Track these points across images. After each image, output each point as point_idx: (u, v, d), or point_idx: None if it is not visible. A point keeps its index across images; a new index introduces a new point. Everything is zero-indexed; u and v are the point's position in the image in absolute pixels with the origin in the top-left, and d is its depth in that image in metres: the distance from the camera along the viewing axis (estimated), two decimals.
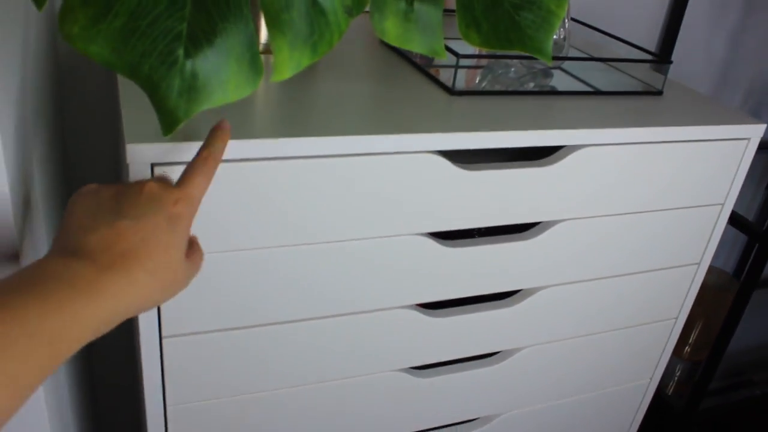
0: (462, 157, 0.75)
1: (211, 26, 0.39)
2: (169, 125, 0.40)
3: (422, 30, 0.59)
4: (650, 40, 1.49)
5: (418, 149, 0.71)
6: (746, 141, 0.92)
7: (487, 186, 0.77)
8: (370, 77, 0.86)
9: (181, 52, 0.39)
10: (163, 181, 0.53)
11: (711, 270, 1.77)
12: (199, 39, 0.39)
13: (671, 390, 1.76)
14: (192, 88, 0.40)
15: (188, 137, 0.62)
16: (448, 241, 0.80)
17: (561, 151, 0.81)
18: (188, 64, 0.39)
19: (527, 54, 0.60)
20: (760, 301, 2.06)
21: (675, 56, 1.52)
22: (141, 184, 0.51)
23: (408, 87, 0.84)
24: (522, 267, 0.86)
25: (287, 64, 0.41)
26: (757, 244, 1.35)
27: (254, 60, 0.40)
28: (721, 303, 1.70)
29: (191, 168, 0.54)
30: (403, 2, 0.58)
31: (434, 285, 0.82)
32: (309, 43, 0.41)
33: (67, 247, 0.46)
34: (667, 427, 1.72)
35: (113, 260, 0.45)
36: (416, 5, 0.58)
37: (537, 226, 0.85)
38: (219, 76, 0.40)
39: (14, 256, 0.55)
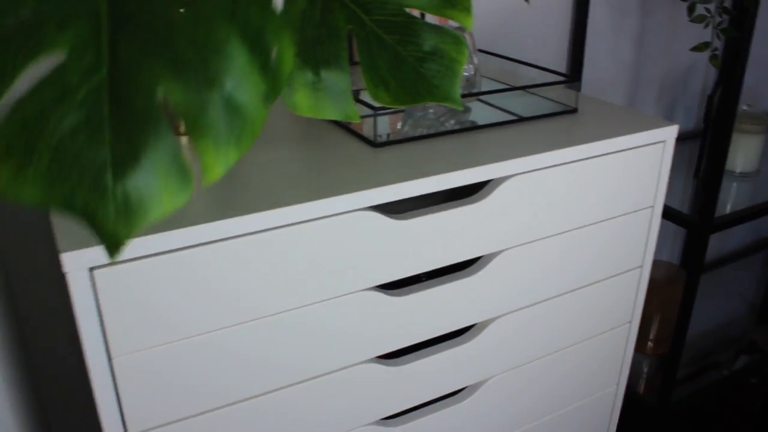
0: (396, 206, 0.77)
1: (132, 147, 0.40)
2: (114, 248, 0.40)
3: (332, 97, 0.60)
4: (560, 56, 1.54)
5: (350, 209, 0.72)
6: (662, 143, 0.96)
7: (423, 231, 0.79)
8: (294, 142, 0.87)
9: (109, 178, 0.40)
10: None
11: (659, 264, 1.82)
12: (125, 162, 0.40)
13: (642, 388, 1.79)
14: (127, 210, 0.40)
15: None
16: (396, 291, 0.82)
17: (490, 185, 0.83)
18: (119, 188, 0.40)
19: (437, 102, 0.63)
20: (713, 283, 2.12)
21: (586, 67, 1.58)
22: None
23: (333, 146, 0.86)
24: (472, 302, 0.88)
25: (216, 165, 0.42)
26: (695, 234, 1.39)
27: (182, 169, 0.41)
28: (674, 294, 1.75)
29: None
30: (310, 73, 0.60)
31: (390, 335, 0.83)
32: (232, 139, 0.43)
33: None
34: (645, 425, 1.75)
35: None
36: (323, 74, 0.60)
37: (480, 260, 0.87)
38: (151, 192, 0.41)
39: None
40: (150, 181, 0.40)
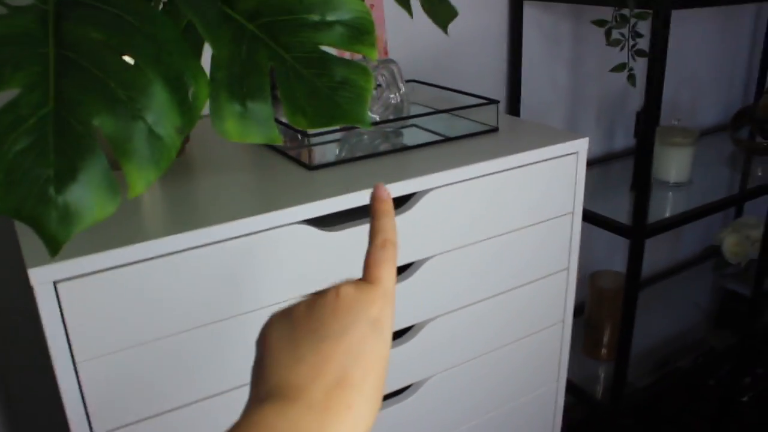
0: (331, 222, 0.86)
1: (72, 166, 0.50)
2: (54, 248, 0.50)
3: (257, 124, 0.70)
4: (499, 84, 1.66)
5: (285, 222, 0.82)
6: (575, 154, 1.07)
7: (355, 241, 0.89)
8: (240, 167, 0.97)
9: (52, 190, 0.49)
10: (353, 281, 0.48)
11: (608, 274, 1.93)
12: (65, 178, 0.49)
13: (599, 393, 1.88)
14: (66, 217, 0.50)
15: (80, 253, 0.71)
16: None
17: (414, 197, 0.93)
18: (60, 199, 0.49)
19: (350, 126, 0.73)
20: (667, 294, 2.22)
21: (525, 92, 1.69)
22: (334, 290, 0.46)
23: (274, 170, 0.95)
24: (409, 304, 0.97)
25: (138, 182, 0.52)
26: (632, 240, 1.50)
27: (111, 185, 0.50)
28: (621, 302, 1.85)
29: (374, 260, 0.49)
30: (237, 104, 0.70)
31: None
32: (152, 162, 0.52)
33: (273, 390, 0.42)
34: (601, 429, 1.83)
35: (329, 395, 0.41)
36: (249, 105, 0.70)
37: (411, 266, 0.97)
38: (86, 203, 0.50)
39: None
40: (85, 194, 0.49)
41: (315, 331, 0.44)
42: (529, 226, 1.06)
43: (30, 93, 0.50)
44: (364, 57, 1.13)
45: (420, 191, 0.93)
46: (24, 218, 0.48)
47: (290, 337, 0.45)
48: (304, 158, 0.98)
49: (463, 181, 0.96)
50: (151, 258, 0.76)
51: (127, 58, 0.55)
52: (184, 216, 0.81)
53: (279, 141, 0.71)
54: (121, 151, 0.51)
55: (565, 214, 1.10)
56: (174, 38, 0.58)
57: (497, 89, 1.66)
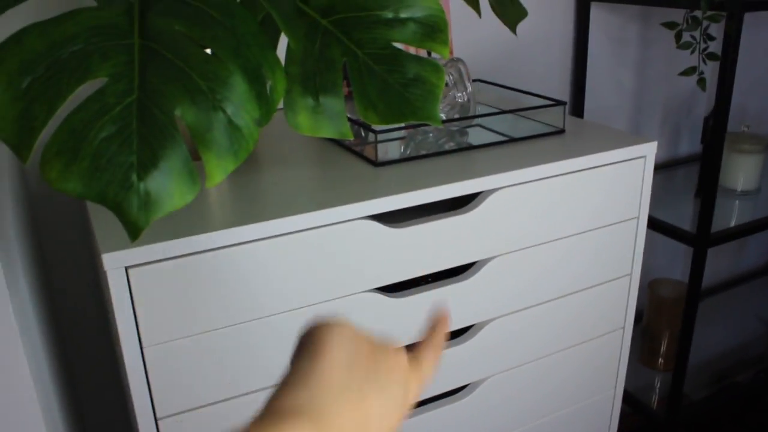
0: (398, 218, 0.87)
1: (154, 154, 0.51)
2: (134, 233, 0.51)
3: (329, 119, 0.71)
4: (563, 86, 1.64)
5: (352, 217, 0.83)
6: (643, 159, 1.05)
7: (418, 239, 0.89)
8: (306, 163, 0.98)
9: (135, 177, 0.50)
10: (406, 354, 0.51)
11: (668, 282, 1.89)
12: (147, 165, 0.51)
13: (655, 403, 1.85)
14: (147, 203, 0.51)
15: (151, 240, 0.73)
16: (395, 293, 0.91)
17: (479, 197, 0.93)
18: (141, 186, 0.51)
19: (418, 123, 0.73)
20: (727, 306, 2.17)
21: (588, 95, 1.67)
22: (397, 353, 0.49)
23: (340, 166, 0.96)
24: (469, 305, 0.97)
25: (217, 172, 0.53)
26: (695, 248, 1.47)
27: (191, 173, 0.52)
28: (681, 312, 1.81)
29: (426, 350, 0.52)
30: (310, 99, 0.71)
31: (390, 335, 0.92)
32: (231, 152, 0.53)
33: (309, 408, 0.42)
34: None
35: None
36: (321, 99, 0.71)
37: (474, 266, 0.97)
38: (166, 190, 0.51)
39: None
40: (166, 182, 0.50)
41: (369, 379, 0.45)
42: (593, 230, 1.05)
43: (116, 82, 0.51)
44: (429, 53, 1.13)
45: (485, 191, 0.93)
46: (107, 203, 0.49)
47: (350, 364, 0.45)
48: (370, 155, 0.98)
49: (529, 182, 0.95)
50: (220, 248, 0.77)
51: (207, 51, 0.56)
52: (252, 208, 0.82)
53: (350, 136, 0.71)
54: (201, 140, 0.52)
55: (630, 219, 1.08)
56: (253, 31, 0.59)
57: (561, 91, 1.64)
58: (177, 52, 0.55)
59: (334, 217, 0.82)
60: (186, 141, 0.52)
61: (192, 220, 0.79)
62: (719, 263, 2.22)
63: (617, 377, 1.22)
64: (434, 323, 0.55)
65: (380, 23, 0.73)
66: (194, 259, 0.76)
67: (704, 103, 1.90)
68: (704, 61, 1.30)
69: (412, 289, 0.93)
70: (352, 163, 0.98)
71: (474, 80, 1.29)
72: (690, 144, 1.94)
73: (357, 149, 1.02)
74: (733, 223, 1.56)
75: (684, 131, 1.91)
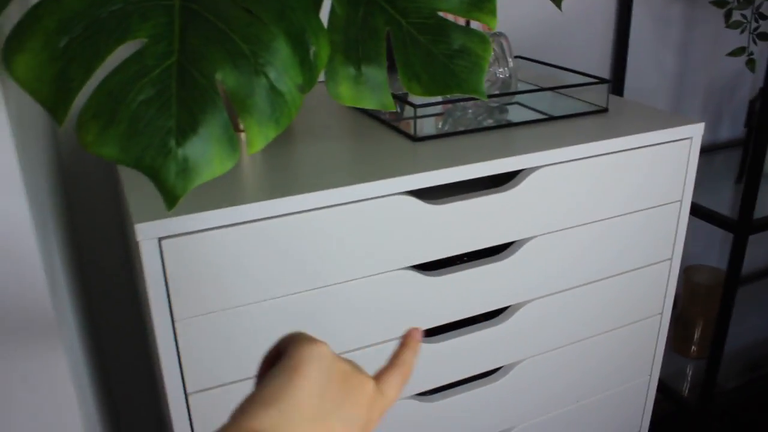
0: (434, 194, 0.84)
1: (193, 119, 0.49)
2: (171, 201, 0.49)
3: (371, 89, 0.69)
4: (603, 65, 1.60)
5: (389, 192, 0.80)
6: (689, 140, 1.01)
7: (456, 216, 0.86)
8: (342, 136, 0.96)
9: (173, 142, 0.48)
10: (373, 381, 0.52)
11: (704, 269, 1.85)
12: (186, 130, 0.49)
13: (686, 391, 1.82)
14: (185, 170, 0.49)
15: (185, 212, 0.71)
16: (432, 271, 0.89)
17: (520, 175, 0.90)
18: (180, 152, 0.48)
19: (466, 95, 0.70)
20: (763, 293, 2.12)
21: (629, 76, 1.63)
22: (365, 380, 0.51)
23: (377, 140, 0.94)
24: (505, 285, 0.95)
25: (257, 139, 0.51)
26: (736, 234, 1.43)
27: (231, 140, 0.49)
28: (716, 299, 1.77)
29: (392, 379, 0.54)
30: (352, 68, 0.68)
31: (425, 314, 0.90)
32: (272, 119, 0.51)
33: (279, 428, 0.44)
34: (687, 429, 1.77)
35: None
36: (363, 69, 0.68)
37: (512, 246, 0.94)
38: (205, 157, 0.49)
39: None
40: (205, 148, 0.48)
41: (336, 407, 0.48)
42: (634, 212, 1.02)
43: (155, 44, 0.49)
44: (468, 23, 1.10)
45: (525, 169, 0.90)
46: (144, 169, 0.47)
47: (322, 389, 0.47)
48: (408, 129, 0.96)
49: (572, 161, 0.92)
50: (254, 220, 0.75)
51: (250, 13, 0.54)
52: (287, 180, 0.80)
53: (392, 107, 0.69)
54: (242, 105, 0.50)
55: (673, 202, 1.05)
56: None
57: (601, 70, 1.60)
58: (218, 13, 0.53)
59: (371, 191, 0.79)
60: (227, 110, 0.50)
61: (226, 192, 0.77)
62: (756, 251, 2.17)
63: (653, 364, 1.19)
64: (405, 342, 0.57)
65: None
66: (228, 231, 0.74)
67: (748, 86, 1.84)
68: (754, 41, 1.26)
69: (449, 268, 0.91)
70: (390, 137, 0.95)
71: (514, 56, 1.26)
72: (731, 128, 1.89)
73: (395, 123, 1.00)
74: None
75: (726, 115, 1.86)
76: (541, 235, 0.94)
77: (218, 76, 0.50)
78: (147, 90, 0.48)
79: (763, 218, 1.46)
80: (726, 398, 1.70)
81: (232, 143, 0.49)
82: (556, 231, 0.95)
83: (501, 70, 1.04)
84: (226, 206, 0.73)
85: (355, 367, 0.52)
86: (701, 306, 1.81)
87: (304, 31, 0.56)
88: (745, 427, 2.02)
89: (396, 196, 0.81)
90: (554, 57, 1.53)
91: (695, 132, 1.01)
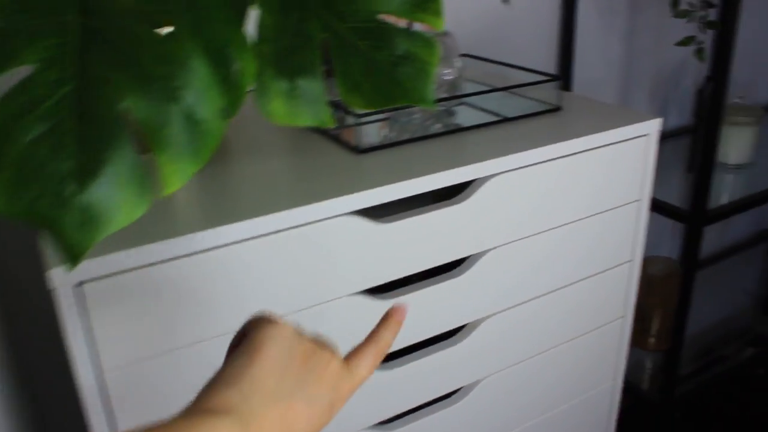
0: (383, 210, 0.78)
1: (95, 159, 0.41)
2: (73, 259, 0.41)
3: (307, 104, 0.61)
4: (549, 57, 1.55)
5: (333, 214, 0.73)
6: (646, 137, 0.97)
7: (408, 234, 0.80)
8: (279, 151, 0.88)
9: (72, 188, 0.41)
10: (342, 359, 0.52)
11: (657, 260, 1.83)
12: (87, 173, 0.41)
13: (646, 384, 1.79)
14: (88, 220, 0.41)
15: (106, 251, 0.63)
16: (383, 294, 0.82)
17: (473, 185, 0.84)
18: (80, 199, 0.41)
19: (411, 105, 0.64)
20: (716, 277, 2.12)
21: (576, 67, 1.58)
22: (328, 357, 0.50)
23: (317, 154, 0.87)
24: (462, 302, 0.89)
25: (174, 177, 0.43)
26: (690, 226, 1.40)
27: (142, 181, 0.42)
28: (673, 289, 1.75)
29: (365, 354, 0.53)
30: (285, 82, 0.61)
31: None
32: (191, 152, 0.44)
33: (240, 408, 0.44)
34: (649, 421, 1.75)
35: None
36: (298, 82, 0.61)
37: (467, 260, 0.88)
38: (111, 203, 0.42)
39: None
40: (111, 192, 0.41)
41: (299, 383, 0.47)
42: (593, 215, 0.97)
43: (47, 69, 0.41)
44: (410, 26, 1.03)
45: (479, 178, 0.84)
46: (38, 221, 0.39)
47: (284, 367, 0.47)
48: (351, 140, 0.89)
49: (527, 166, 0.87)
50: (186, 255, 0.68)
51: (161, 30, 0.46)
52: (220, 207, 0.73)
53: (331, 123, 0.62)
54: (154, 138, 0.42)
55: (632, 202, 1.00)
56: (217, 3, 0.49)
57: (548, 63, 1.55)
58: (124, 30, 0.45)
59: (313, 214, 0.72)
60: (133, 138, 0.42)
61: (153, 224, 0.69)
62: (705, 237, 2.16)
63: (616, 367, 1.15)
64: (385, 319, 0.56)
65: None
66: (157, 269, 0.66)
67: (693, 74, 1.82)
68: (703, 30, 1.22)
69: (402, 289, 0.84)
70: (331, 150, 0.88)
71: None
72: (678, 117, 1.87)
73: (336, 134, 0.93)
74: (726, 199, 1.50)
75: (672, 103, 1.83)
76: (497, 246, 0.88)
77: (125, 105, 0.42)
78: (37, 126, 0.40)
79: (717, 208, 1.44)
80: (683, 386, 1.69)
81: (143, 184, 0.41)
82: (513, 241, 0.90)
83: (447, 71, 0.98)
84: (153, 241, 0.65)
85: (321, 346, 0.51)
86: (658, 297, 1.79)
87: (226, 46, 0.48)
88: (704, 413, 2.02)
89: (340, 218, 0.75)
90: (498, 51, 1.47)
91: (652, 128, 0.96)
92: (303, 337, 0.50)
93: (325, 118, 0.62)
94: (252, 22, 0.59)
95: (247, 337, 0.49)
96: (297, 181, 0.78)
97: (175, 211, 0.72)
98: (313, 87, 0.61)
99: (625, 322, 1.11)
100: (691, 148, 1.66)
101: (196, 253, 0.68)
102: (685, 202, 1.48)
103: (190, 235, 0.67)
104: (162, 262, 0.66)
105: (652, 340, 1.83)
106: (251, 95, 0.55)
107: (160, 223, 0.69)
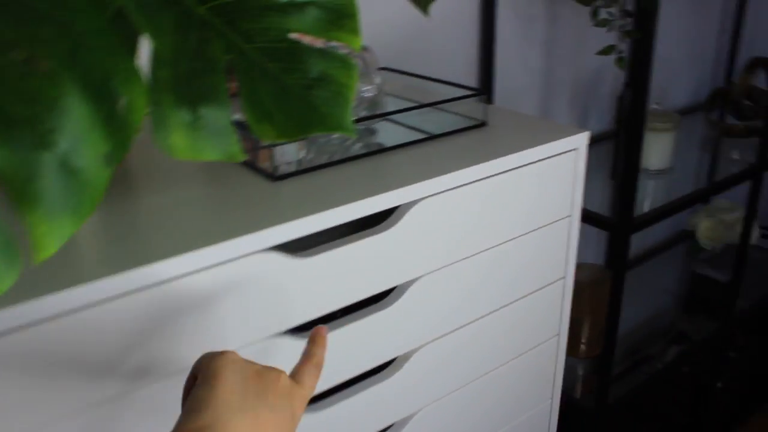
0: (305, 241, 0.72)
1: None
2: None
3: (213, 136, 0.55)
4: (470, 68, 1.51)
5: (248, 251, 0.67)
6: (575, 151, 0.94)
7: (330, 267, 0.74)
8: (188, 180, 0.81)
9: None
10: (288, 375, 0.57)
11: (584, 266, 1.82)
12: None
13: (579, 392, 1.78)
14: None
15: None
16: (306, 333, 0.76)
17: (398, 210, 0.79)
18: None
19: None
20: (637, 278, 2.13)
21: (496, 77, 1.55)
22: (277, 374, 0.55)
23: (229, 182, 0.80)
24: (391, 335, 0.83)
25: (48, 239, 0.36)
26: (617, 235, 1.38)
27: (8, 247, 0.35)
28: (601, 295, 1.74)
29: (306, 370, 0.59)
30: (186, 112, 0.54)
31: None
32: (68, 209, 0.37)
33: (215, 426, 0.49)
34: (585, 428, 1.73)
35: None
36: (201, 111, 0.55)
37: (395, 291, 0.83)
38: None
39: None
40: None
41: (261, 395, 0.53)
42: (524, 234, 0.93)
43: None
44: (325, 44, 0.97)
45: (404, 204, 0.79)
46: None
47: (241, 387, 0.52)
48: (265, 166, 0.82)
49: (455, 188, 0.82)
50: (80, 309, 0.60)
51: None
52: (115, 250, 0.65)
53: (241, 157, 0.55)
54: (21, 194, 0.35)
55: (563, 218, 0.97)
56: (96, 28, 0.42)
57: (468, 72, 1.52)
58: None
59: (225, 254, 0.66)
60: None
61: (39, 272, 0.61)
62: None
63: (554, 385, 1.12)
64: (312, 339, 0.62)
65: (272, 9, 0.57)
66: (47, 327, 0.58)
67: (611, 81, 1.82)
68: (622, 39, 1.20)
69: (326, 326, 0.78)
70: (245, 177, 0.81)
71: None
72: (598, 123, 1.86)
73: (250, 159, 0.86)
74: (650, 205, 1.49)
75: (592, 111, 1.83)
76: (427, 274, 0.83)
77: None
78: None
79: (643, 215, 1.43)
80: (616, 389, 1.69)
81: (10, 252, 0.34)
82: (443, 267, 0.85)
83: (366, 88, 0.92)
84: (36, 296, 0.57)
85: (267, 367, 0.56)
86: (586, 304, 1.77)
87: (109, 78, 0.41)
88: (637, 414, 2.03)
89: (257, 255, 0.68)
90: (417, 62, 1.42)
91: (581, 142, 0.93)
92: (249, 361, 0.55)
93: (234, 151, 0.55)
94: (147, 46, 0.52)
95: (201, 373, 0.53)
96: (207, 215, 0.71)
97: (62, 254, 0.64)
98: (218, 116, 0.55)
99: (561, 339, 1.08)
100: (614, 155, 1.65)
101: (86, 307, 0.60)
102: (609, 208, 1.47)
103: (77, 288, 0.59)
104: (39, 322, 0.58)
105: (582, 347, 1.82)
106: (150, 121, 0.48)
107: (43, 271, 0.61)
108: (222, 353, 0.54)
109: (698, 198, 1.55)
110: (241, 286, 0.68)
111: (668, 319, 2.08)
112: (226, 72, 0.56)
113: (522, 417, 1.09)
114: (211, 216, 0.71)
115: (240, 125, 0.82)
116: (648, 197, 1.55)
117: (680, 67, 2.05)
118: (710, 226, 2.10)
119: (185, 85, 0.54)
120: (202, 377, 0.53)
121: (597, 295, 1.75)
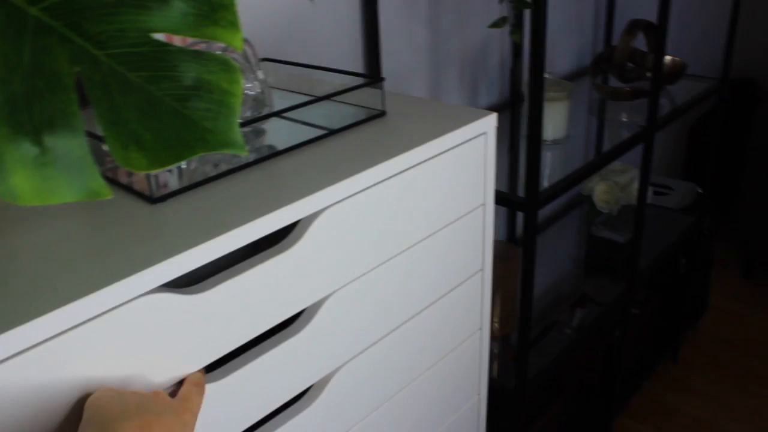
0: (195, 272, 0.61)
1: None
2: None
3: (67, 171, 0.44)
4: (354, 51, 1.42)
5: (129, 297, 0.56)
6: (483, 136, 0.87)
7: (229, 299, 0.64)
8: (48, 210, 0.69)
9: None
10: (166, 394, 0.59)
11: None
12: None
13: (496, 372, 1.74)
14: None
15: None
16: (212, 374, 0.66)
17: (299, 225, 0.69)
18: None
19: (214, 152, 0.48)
20: (542, 245, 2.13)
21: (384, 58, 1.47)
22: (158, 392, 0.57)
23: (100, 209, 0.68)
24: (304, 362, 0.74)
25: None
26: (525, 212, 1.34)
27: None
28: (509, 271, 1.70)
29: (184, 389, 0.61)
30: (28, 144, 0.43)
31: (218, 425, 0.67)
32: None
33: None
34: (509, 407, 1.70)
35: None
36: (48, 142, 0.44)
37: (303, 314, 0.73)
38: None
39: None
40: None
41: (143, 406, 0.54)
42: (439, 230, 0.85)
43: None
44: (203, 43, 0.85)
45: (305, 218, 0.69)
46: None
47: (120, 404, 0.53)
48: (142, 187, 0.71)
49: (360, 192, 0.73)
50: None
51: None
52: None
53: (108, 194, 0.44)
54: None
55: (476, 208, 0.90)
56: None
57: (353, 55, 1.43)
58: None
59: (102, 304, 0.54)
60: None
61: None
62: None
63: (480, 380, 1.06)
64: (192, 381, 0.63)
65: (127, 5, 0.46)
66: None
67: (497, 53, 1.77)
68: (514, 9, 1.14)
69: (229, 365, 0.68)
70: (119, 201, 0.70)
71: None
72: (488, 96, 1.82)
73: (124, 181, 0.74)
74: (551, 178, 1.45)
75: (481, 84, 1.78)
76: (337, 290, 0.74)
77: None
78: None
79: (548, 189, 1.39)
80: (533, 365, 1.66)
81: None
82: (355, 279, 0.76)
83: (249, 85, 0.82)
84: None
85: (142, 391, 0.57)
86: (495, 283, 1.73)
87: None
88: (554, 385, 2.02)
89: (140, 299, 0.57)
90: (298, 49, 1.32)
91: (489, 125, 0.86)
92: (122, 389, 0.57)
93: (95, 186, 0.45)
94: None
95: (88, 411, 0.53)
96: (79, 253, 0.59)
97: None
98: (71, 146, 0.44)
99: (483, 332, 1.02)
100: (510, 128, 1.61)
101: None
102: (508, 182, 1.43)
103: None
104: None
105: (495, 325, 1.78)
106: None
107: None
108: (97, 391, 0.55)
109: (600, 165, 1.52)
110: (127, 334, 0.57)
111: (572, 283, 2.08)
112: (77, 88, 0.45)
113: (452, 417, 1.02)
114: (83, 255, 0.59)
115: (100, 138, 0.69)
116: (548, 169, 1.51)
117: (561, 34, 2.03)
118: (605, 189, 2.10)
119: (23, 111, 0.43)
120: (90, 416, 0.53)
121: (506, 273, 1.71)
